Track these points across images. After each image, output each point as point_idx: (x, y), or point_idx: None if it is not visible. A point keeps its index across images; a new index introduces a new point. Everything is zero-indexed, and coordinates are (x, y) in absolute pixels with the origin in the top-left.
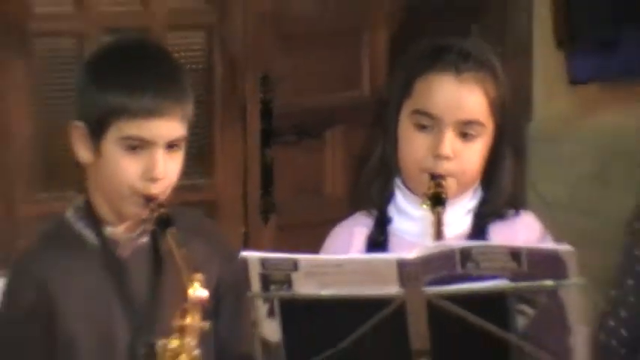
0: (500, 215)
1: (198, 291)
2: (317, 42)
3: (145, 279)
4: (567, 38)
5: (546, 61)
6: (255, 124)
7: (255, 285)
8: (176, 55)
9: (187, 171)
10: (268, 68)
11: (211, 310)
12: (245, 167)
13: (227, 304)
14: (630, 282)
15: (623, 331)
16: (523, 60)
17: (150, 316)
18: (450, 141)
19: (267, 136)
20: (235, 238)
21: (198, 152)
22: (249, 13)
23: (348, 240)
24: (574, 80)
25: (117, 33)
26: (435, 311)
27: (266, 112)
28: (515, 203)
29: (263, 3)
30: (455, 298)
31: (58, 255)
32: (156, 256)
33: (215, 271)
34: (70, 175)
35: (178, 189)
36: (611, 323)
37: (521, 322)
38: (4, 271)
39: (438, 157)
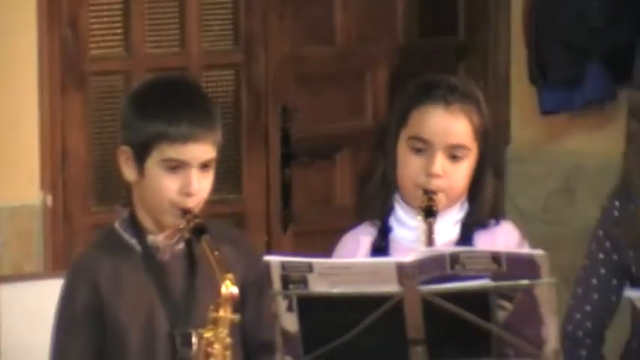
0: (483, 225)
1: (230, 288)
2: (328, 80)
3: (182, 279)
4: (538, 75)
5: (521, 94)
6: (275, 148)
7: (277, 284)
8: (209, 89)
9: (218, 188)
10: (287, 101)
11: (237, 304)
12: (267, 184)
13: (251, 300)
14: (594, 281)
15: (588, 324)
16: (502, 93)
17: (186, 310)
18: (440, 162)
19: (286, 159)
20: (259, 245)
21: (228, 172)
22: (271, 55)
23: (356, 246)
24: (544, 111)
25: (158, 71)
26: (429, 306)
27: (285, 138)
28: (496, 214)
29: (283, 47)
30: (445, 295)
31: (107, 259)
32: (191, 259)
33: (240, 272)
34: (118, 192)
35: (211, 203)
36: (578, 316)
37: (501, 315)
38: (62, 273)
39: (430, 175)
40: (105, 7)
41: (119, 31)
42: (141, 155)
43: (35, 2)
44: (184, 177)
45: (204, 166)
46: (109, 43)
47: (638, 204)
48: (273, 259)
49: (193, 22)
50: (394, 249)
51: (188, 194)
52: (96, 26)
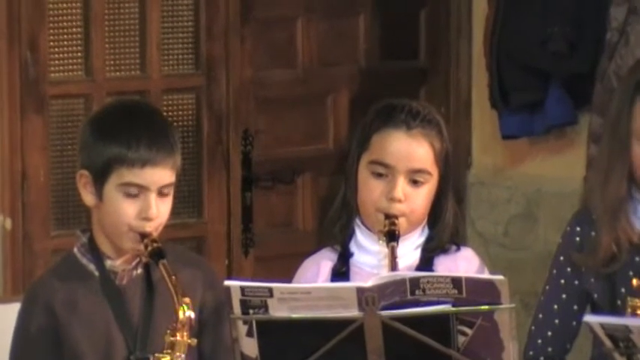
0: (444, 250)
1: (187, 312)
2: (289, 103)
3: (140, 304)
4: (500, 100)
5: (483, 119)
6: (236, 171)
7: (237, 309)
8: (170, 113)
9: (179, 211)
10: (248, 125)
11: (195, 330)
12: (228, 208)
13: (210, 326)
14: (555, 307)
15: (549, 349)
16: (463, 118)
17: (143, 335)
18: (401, 186)
19: (247, 182)
20: (220, 269)
21: (189, 195)
22: (232, 78)
23: (316, 271)
24: (505, 135)
25: (119, 95)
26: (389, 331)
27: (246, 162)
28: (457, 240)
29: (244, 70)
30: (405, 320)
31: (63, 284)
32: (149, 284)
33: (199, 296)
34: (78, 216)
35: (172, 227)
36: (539, 341)
37: (461, 340)
38: (21, 297)
39: (392, 199)
40: (65, 30)
41: (79, 54)
42: (100, 179)
43: None
44: (143, 201)
45: (163, 190)
46: (70, 67)
47: (599, 230)
48: (233, 284)
49: (154, 46)
50: (354, 274)
51: (147, 219)
52: (56, 49)
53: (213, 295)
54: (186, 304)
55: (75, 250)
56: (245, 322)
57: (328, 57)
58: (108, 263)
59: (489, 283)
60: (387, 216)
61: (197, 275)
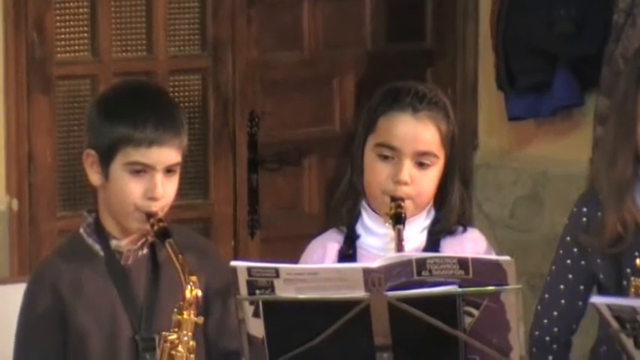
0: (450, 232)
1: (194, 291)
2: (296, 85)
3: (145, 284)
4: (506, 82)
5: (489, 101)
6: (243, 153)
7: (243, 289)
8: (176, 94)
9: (185, 193)
10: (254, 107)
11: (201, 312)
12: (235, 190)
13: (215, 309)
14: (562, 287)
15: (556, 329)
16: (470, 100)
17: (149, 315)
18: (407, 169)
19: (254, 164)
20: (226, 251)
21: (195, 177)
22: (238, 60)
23: (322, 253)
24: (512, 117)
25: (125, 76)
26: (395, 312)
27: (252, 144)
28: (464, 221)
29: (250, 52)
30: (412, 301)
31: (69, 265)
32: (155, 265)
33: (205, 280)
34: (84, 197)
35: (178, 208)
36: (545, 322)
37: (467, 321)
38: (28, 278)
39: (398, 182)
40: (71, 10)
41: (86, 35)
42: (106, 159)
43: (1, 5)
44: (149, 181)
45: (169, 170)
46: (76, 47)
47: (605, 210)
48: (240, 265)
49: (160, 27)
50: (361, 256)
51: (153, 198)
52: (62, 30)
53: (218, 278)
54: (193, 283)
55: (81, 230)
56: (251, 303)
57: (334, 39)
58: (113, 243)
59: (496, 264)
60: (394, 199)
61: (203, 259)
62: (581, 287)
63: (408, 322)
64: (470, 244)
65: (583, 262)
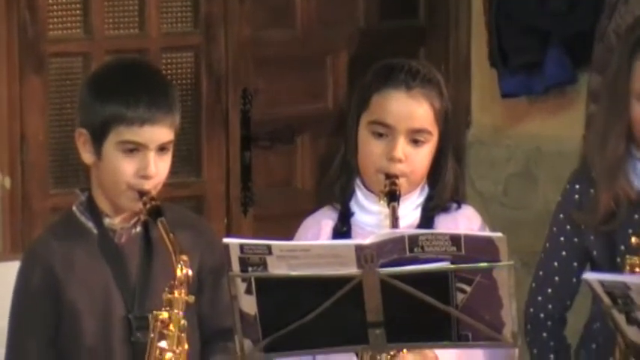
0: (444, 208)
1: (184, 270)
2: (288, 63)
3: (138, 262)
4: (499, 59)
5: (482, 78)
6: (235, 131)
7: (235, 266)
8: (168, 72)
9: (178, 171)
10: (247, 84)
11: (194, 290)
12: (227, 167)
13: (208, 286)
14: (555, 264)
15: (550, 306)
16: (463, 77)
17: (142, 293)
18: (401, 146)
19: (246, 141)
20: (219, 228)
21: (188, 155)
22: (231, 37)
23: (317, 231)
24: (505, 94)
25: (118, 54)
26: (388, 288)
27: (245, 121)
28: (457, 198)
29: (243, 29)
30: (404, 277)
31: (62, 243)
32: (148, 243)
33: (197, 257)
34: (77, 175)
35: (171, 186)
36: (539, 299)
37: (460, 297)
38: (21, 256)
39: (392, 159)
40: None
41: (78, 12)
42: (98, 137)
43: None
44: (142, 159)
45: (161, 148)
46: (68, 25)
47: (597, 188)
48: (232, 242)
49: (153, 4)
50: (356, 233)
51: (145, 177)
52: (54, 7)
53: (211, 256)
54: (184, 262)
55: (74, 208)
56: (244, 280)
57: (327, 16)
58: (106, 221)
59: (488, 241)
60: (388, 176)
61: (196, 237)
62: (575, 264)
63: (400, 298)
64: (464, 220)
65: (576, 239)
